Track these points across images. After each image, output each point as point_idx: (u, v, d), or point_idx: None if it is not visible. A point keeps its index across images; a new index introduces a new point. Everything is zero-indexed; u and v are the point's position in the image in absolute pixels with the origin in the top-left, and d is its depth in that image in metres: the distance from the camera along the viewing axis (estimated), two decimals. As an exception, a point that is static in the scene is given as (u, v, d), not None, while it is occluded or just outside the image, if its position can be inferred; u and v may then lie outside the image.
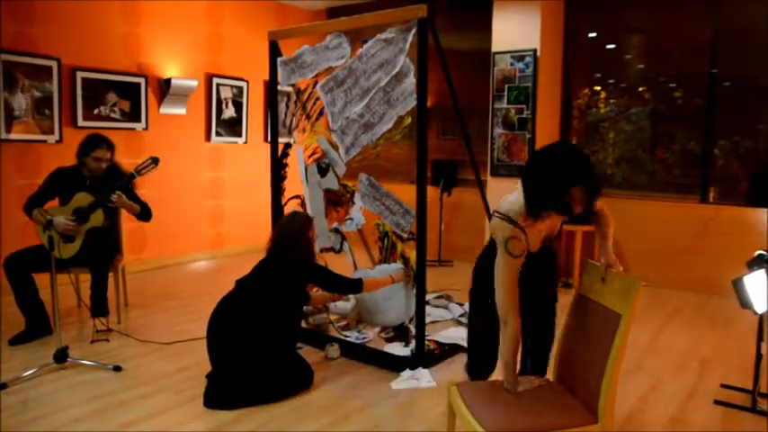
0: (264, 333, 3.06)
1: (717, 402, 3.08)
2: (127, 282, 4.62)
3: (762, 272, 2.95)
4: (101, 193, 3.90)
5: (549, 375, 2.43)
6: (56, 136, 5.25)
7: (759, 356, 2.98)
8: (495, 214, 2.22)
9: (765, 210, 5.04)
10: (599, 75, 6.18)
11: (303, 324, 3.93)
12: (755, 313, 2.90)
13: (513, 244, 2.09)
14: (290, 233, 3.25)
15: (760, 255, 3.02)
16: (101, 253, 4.05)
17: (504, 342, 2.16)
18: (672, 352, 3.86)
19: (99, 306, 4.01)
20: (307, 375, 3.21)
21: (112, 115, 5.68)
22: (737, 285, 2.88)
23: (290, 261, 3.19)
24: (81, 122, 5.40)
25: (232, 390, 3.01)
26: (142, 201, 4.15)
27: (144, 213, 4.14)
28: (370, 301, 3.78)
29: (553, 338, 2.55)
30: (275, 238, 3.30)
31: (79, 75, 5.38)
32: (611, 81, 6.09)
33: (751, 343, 3.11)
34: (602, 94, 6.12)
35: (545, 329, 2.55)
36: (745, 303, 2.87)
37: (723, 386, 3.28)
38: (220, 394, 3.01)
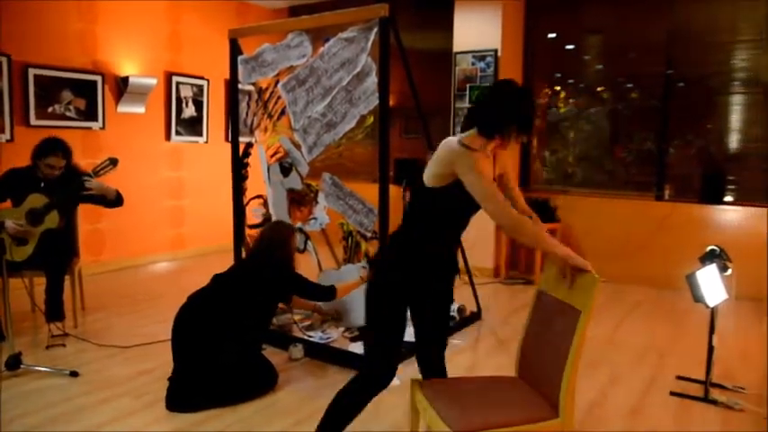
0: (231, 334, 3.04)
1: (672, 394, 3.17)
2: (84, 285, 4.50)
3: (713, 267, 3.06)
4: (56, 194, 3.78)
5: (512, 371, 2.45)
6: (7, 135, 5.07)
7: (711, 348, 3.09)
8: (452, 145, 2.28)
9: (717, 206, 5.22)
10: (559, 75, 6.30)
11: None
12: (707, 307, 3.00)
13: (479, 164, 2.15)
14: (270, 241, 3.28)
15: (711, 250, 3.13)
16: (56, 255, 3.93)
17: (539, 241, 2.10)
18: (630, 345, 3.96)
19: (54, 310, 3.89)
20: (271, 376, 3.19)
21: (67, 114, 5.51)
22: (690, 280, 2.97)
23: (267, 268, 3.21)
24: (34, 121, 5.23)
25: (195, 391, 2.97)
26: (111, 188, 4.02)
27: (118, 198, 4.02)
28: (344, 302, 3.79)
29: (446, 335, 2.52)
30: (256, 245, 3.34)
31: (31, 72, 5.21)
32: (570, 81, 6.21)
33: (704, 335, 3.21)
34: (562, 94, 6.23)
35: (441, 325, 2.48)
36: (697, 297, 2.97)
37: (678, 377, 3.38)
38: (182, 396, 2.96)
